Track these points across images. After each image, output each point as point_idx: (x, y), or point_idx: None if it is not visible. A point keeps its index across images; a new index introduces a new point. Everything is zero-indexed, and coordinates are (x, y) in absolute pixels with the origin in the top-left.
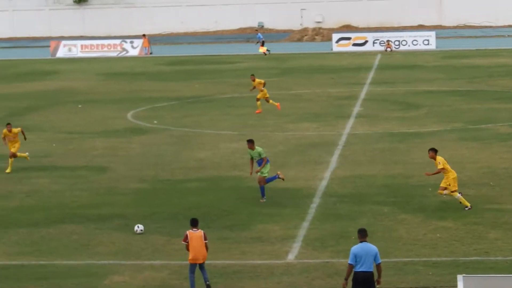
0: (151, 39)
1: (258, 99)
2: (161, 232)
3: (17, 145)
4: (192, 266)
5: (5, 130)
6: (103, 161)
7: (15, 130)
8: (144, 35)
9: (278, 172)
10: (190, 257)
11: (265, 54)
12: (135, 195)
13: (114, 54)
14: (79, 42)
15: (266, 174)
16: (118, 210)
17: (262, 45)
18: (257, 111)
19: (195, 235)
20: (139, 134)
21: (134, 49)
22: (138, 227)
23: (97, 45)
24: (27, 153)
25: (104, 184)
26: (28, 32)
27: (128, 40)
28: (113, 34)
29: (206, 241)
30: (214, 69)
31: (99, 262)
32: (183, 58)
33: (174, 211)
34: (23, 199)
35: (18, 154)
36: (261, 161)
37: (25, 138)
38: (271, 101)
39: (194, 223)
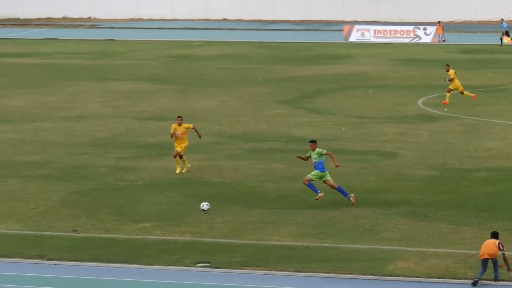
0: (445, 27)
1: (449, 90)
2: (447, 220)
3: (184, 144)
4: (481, 260)
5: (174, 125)
6: (392, 146)
7: (185, 125)
8: (439, 22)
9: (351, 195)
10: None
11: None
12: (423, 182)
13: (406, 40)
14: (372, 27)
15: (312, 176)
16: (405, 196)
17: (507, 35)
18: (443, 102)
19: (489, 240)
20: (429, 121)
21: (427, 36)
22: (203, 206)
23: (390, 30)
24: (189, 165)
25: (392, 169)
26: (322, 15)
27: (421, 27)
28: (406, 20)
29: (502, 252)
30: (507, 58)
31: (384, 247)
32: (476, 46)
33: (461, 200)
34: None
35: (184, 158)
36: (321, 162)
37: (199, 136)
38: (466, 92)
39: (494, 236)
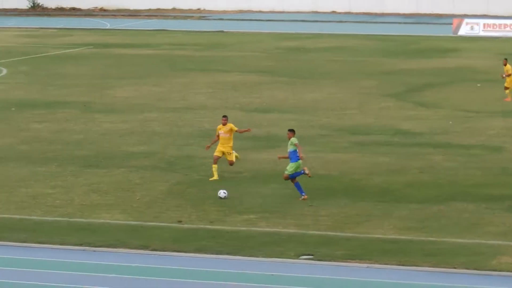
0: None
1: (506, 88)
2: None
3: (229, 145)
4: None
5: (219, 126)
6: (499, 141)
7: (230, 125)
8: None
9: (305, 168)
10: None
11: None
12: None
13: None
14: (481, 21)
15: (289, 171)
16: (510, 191)
17: None
18: (506, 99)
19: None
20: None
21: None
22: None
23: (500, 24)
24: (235, 153)
25: (498, 164)
26: (432, 9)
27: None
28: None
29: None
30: None
31: (488, 242)
32: None
33: None
34: (416, 174)
35: (234, 155)
36: (293, 152)
37: (248, 130)
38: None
39: None
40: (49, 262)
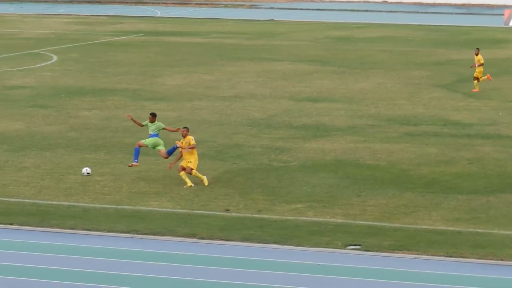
0: None
1: (475, 78)
2: None
3: (193, 158)
4: None
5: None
6: None
7: (190, 138)
8: None
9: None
10: None
11: None
12: None
13: None
14: None
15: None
16: None
17: None
18: (474, 90)
19: None
20: None
21: None
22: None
23: None
24: (204, 177)
25: None
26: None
27: None
28: None
29: None
30: None
31: None
32: None
33: None
34: (465, 165)
35: (194, 172)
36: (155, 135)
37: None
38: (481, 79)
39: None
40: (96, 249)
